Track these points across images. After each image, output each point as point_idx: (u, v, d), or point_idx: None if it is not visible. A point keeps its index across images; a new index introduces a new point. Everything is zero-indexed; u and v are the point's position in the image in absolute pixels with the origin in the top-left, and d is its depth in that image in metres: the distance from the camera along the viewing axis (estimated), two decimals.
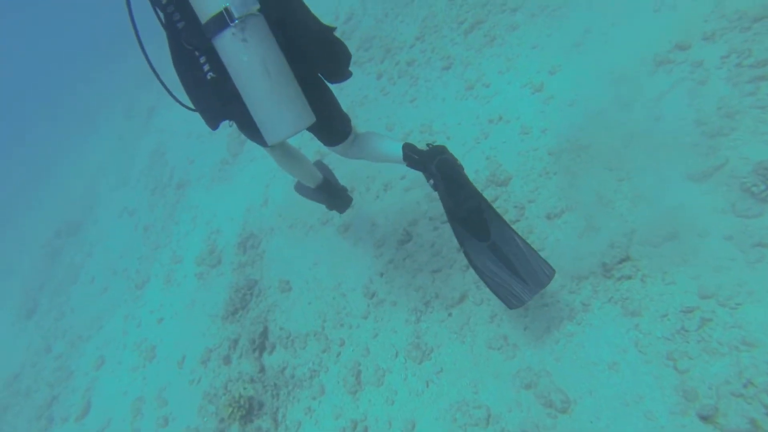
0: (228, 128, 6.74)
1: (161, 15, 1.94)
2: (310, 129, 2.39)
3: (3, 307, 8.60)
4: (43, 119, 16.78)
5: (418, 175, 3.53)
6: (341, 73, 2.14)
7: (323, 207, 3.85)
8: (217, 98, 1.97)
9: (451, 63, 4.36)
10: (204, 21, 1.70)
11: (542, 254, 2.59)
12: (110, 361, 5.26)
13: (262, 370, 3.49)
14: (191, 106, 2.14)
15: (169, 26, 1.91)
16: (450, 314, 2.76)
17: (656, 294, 2.09)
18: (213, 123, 2.17)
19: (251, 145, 5.91)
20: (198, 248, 5.31)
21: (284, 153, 2.63)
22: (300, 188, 3.20)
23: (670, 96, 2.73)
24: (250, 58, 1.72)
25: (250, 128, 2.24)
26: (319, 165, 3.21)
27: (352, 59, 2.15)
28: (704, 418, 1.78)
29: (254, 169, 5.42)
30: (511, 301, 2.11)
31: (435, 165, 2.16)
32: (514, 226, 2.83)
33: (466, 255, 2.19)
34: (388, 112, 4.50)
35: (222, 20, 1.67)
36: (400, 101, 4.52)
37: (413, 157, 2.24)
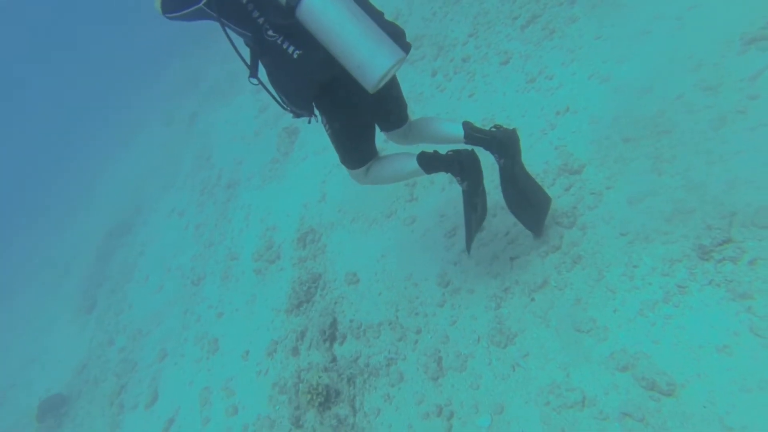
0: (276, 128, 6.90)
1: (241, 27, 2.10)
2: (374, 116, 2.54)
3: (63, 304, 8.95)
4: (89, 130, 17.38)
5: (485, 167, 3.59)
6: (405, 44, 2.24)
7: (384, 200, 3.93)
8: (306, 74, 2.09)
9: (510, 57, 4.38)
10: None
11: (626, 238, 2.61)
12: (173, 354, 5.43)
13: (334, 360, 3.55)
14: (285, 105, 2.29)
15: (251, 27, 2.07)
16: (533, 299, 2.77)
17: None
18: (307, 108, 2.27)
19: (303, 144, 6.04)
20: (254, 245, 5.43)
21: (383, 159, 2.62)
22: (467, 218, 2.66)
23: None
24: (336, 8, 1.88)
25: (340, 133, 2.42)
26: None
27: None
28: None
29: (308, 167, 5.52)
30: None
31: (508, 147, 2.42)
32: (592, 213, 2.87)
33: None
34: (446, 107, 4.55)
35: None
36: (458, 96, 4.56)
37: (478, 136, 2.43)
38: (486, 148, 2.46)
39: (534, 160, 3.40)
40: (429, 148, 2.50)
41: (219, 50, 12.21)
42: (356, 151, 2.54)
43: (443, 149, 2.44)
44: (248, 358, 4.39)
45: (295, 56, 2.04)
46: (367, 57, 1.91)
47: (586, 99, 3.44)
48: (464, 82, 4.64)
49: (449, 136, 2.56)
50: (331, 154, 5.09)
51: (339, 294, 3.91)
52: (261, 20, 2.04)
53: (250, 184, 6.51)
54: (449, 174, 2.42)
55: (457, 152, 2.37)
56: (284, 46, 2.04)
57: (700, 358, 2.07)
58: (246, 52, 2.20)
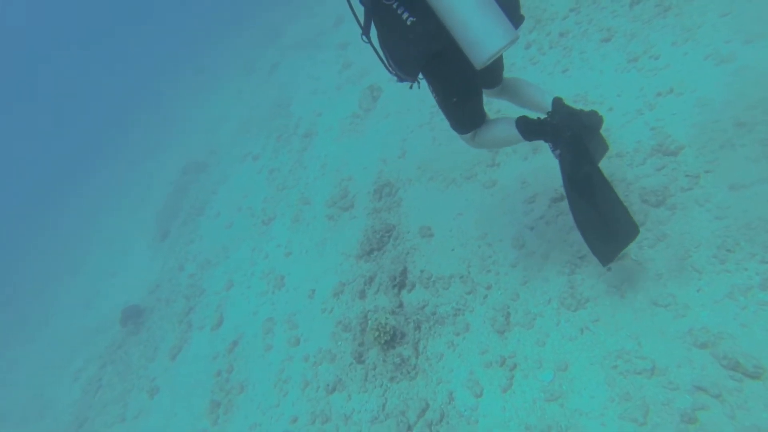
0: (360, 85, 7.03)
1: None
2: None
3: (140, 230, 9.66)
4: (177, 76, 18.23)
5: None
6: (519, 16, 2.28)
7: (465, 162, 3.98)
8: (418, 41, 2.12)
9: (612, 35, 4.25)
10: None
11: (722, 222, 2.58)
12: (239, 285, 5.80)
13: (401, 305, 3.72)
14: (391, 69, 2.36)
15: None
16: (609, 269, 2.79)
17: None
18: (413, 74, 2.33)
19: (386, 102, 6.15)
20: (328, 192, 5.65)
21: (487, 125, 2.62)
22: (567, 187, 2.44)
23: None
24: None
25: (453, 103, 2.45)
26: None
27: None
28: None
29: (389, 124, 5.63)
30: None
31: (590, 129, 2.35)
32: (684, 194, 2.83)
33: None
34: (537, 80, 4.45)
35: None
36: (551, 71, 4.50)
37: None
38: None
39: (625, 139, 3.37)
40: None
41: (303, 6, 12.42)
42: (463, 117, 2.59)
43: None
44: (314, 296, 4.64)
45: (408, 23, 2.06)
46: (480, 35, 1.93)
47: (695, 81, 3.32)
48: (559, 57, 4.56)
49: (538, 105, 2.57)
50: (415, 114, 5.24)
51: (411, 245, 4.05)
52: None
53: (328, 136, 6.71)
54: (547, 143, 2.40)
55: (552, 114, 2.34)
56: (399, 11, 2.07)
57: None
58: (360, 11, 2.28)
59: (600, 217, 2.35)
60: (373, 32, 2.32)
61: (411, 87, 2.52)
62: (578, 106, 3.75)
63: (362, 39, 2.34)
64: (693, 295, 2.45)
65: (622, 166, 3.19)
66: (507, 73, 2.78)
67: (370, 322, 3.59)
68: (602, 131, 2.55)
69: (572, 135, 2.27)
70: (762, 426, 1.97)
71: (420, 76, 2.39)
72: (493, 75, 2.67)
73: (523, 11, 2.34)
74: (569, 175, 2.35)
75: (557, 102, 2.45)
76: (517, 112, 2.77)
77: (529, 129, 2.39)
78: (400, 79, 2.43)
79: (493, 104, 4.35)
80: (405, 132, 5.22)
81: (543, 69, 4.62)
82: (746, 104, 2.91)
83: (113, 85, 24.86)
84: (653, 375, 2.34)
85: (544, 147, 3.83)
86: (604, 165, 3.22)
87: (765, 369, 2.07)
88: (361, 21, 2.30)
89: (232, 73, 13.53)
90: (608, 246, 2.40)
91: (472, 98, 2.52)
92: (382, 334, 3.38)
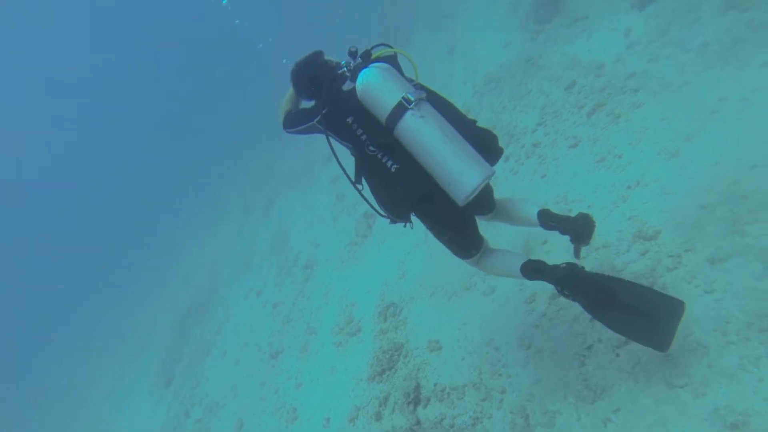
0: (354, 214, 7.44)
1: (346, 141, 2.49)
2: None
3: (142, 379, 9.40)
4: (170, 218, 19.00)
5: (560, 240, 3.79)
6: (497, 150, 2.56)
7: (463, 274, 4.13)
8: (403, 187, 2.36)
9: (578, 141, 4.72)
10: (386, 116, 2.24)
11: (713, 296, 2.69)
12: (249, 424, 5.60)
13: (418, 423, 3.62)
14: (383, 213, 2.60)
15: (354, 142, 2.45)
16: (618, 355, 2.82)
17: None
18: (404, 216, 2.55)
19: (380, 228, 6.48)
20: (333, 320, 5.71)
21: (487, 252, 2.78)
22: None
23: None
24: (430, 129, 2.20)
25: (447, 234, 2.66)
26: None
27: None
28: None
29: (387, 248, 5.90)
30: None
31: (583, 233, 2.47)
32: (671, 274, 2.97)
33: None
34: (520, 188, 4.87)
35: (402, 107, 2.21)
36: (531, 178, 4.89)
37: (551, 224, 2.55)
38: (562, 233, 2.54)
39: (607, 230, 3.59)
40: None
41: (293, 148, 13.41)
42: (461, 246, 2.75)
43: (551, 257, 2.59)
44: (329, 425, 4.49)
45: (393, 170, 2.34)
46: (456, 176, 2.17)
47: (656, 173, 3.66)
48: (536, 165, 4.99)
49: (532, 223, 2.70)
50: (410, 236, 5.53)
51: (422, 360, 4.05)
52: (363, 137, 2.41)
53: (329, 265, 6.93)
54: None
55: (556, 267, 2.42)
56: (383, 160, 2.36)
57: None
58: (345, 161, 2.59)
59: (638, 316, 2.37)
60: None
61: (405, 226, 2.69)
62: (560, 207, 4.10)
63: (355, 187, 2.57)
64: (705, 371, 2.46)
65: (609, 255, 3.37)
66: (496, 193, 2.94)
67: None
68: None
69: (575, 285, 2.37)
70: None
71: (413, 215, 2.58)
72: (482, 204, 2.82)
73: (501, 144, 2.60)
74: (588, 306, 2.45)
75: (543, 214, 2.58)
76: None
77: (532, 276, 2.50)
78: (393, 221, 2.62)
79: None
80: (402, 253, 5.46)
81: (523, 177, 5.01)
82: (702, 189, 3.21)
83: (114, 230, 25.49)
84: None
85: (536, 247, 4.04)
86: (593, 258, 3.42)
87: None
88: (349, 172, 2.55)
89: (231, 213, 14.09)
90: (659, 333, 2.35)
91: (466, 230, 2.68)
92: None
